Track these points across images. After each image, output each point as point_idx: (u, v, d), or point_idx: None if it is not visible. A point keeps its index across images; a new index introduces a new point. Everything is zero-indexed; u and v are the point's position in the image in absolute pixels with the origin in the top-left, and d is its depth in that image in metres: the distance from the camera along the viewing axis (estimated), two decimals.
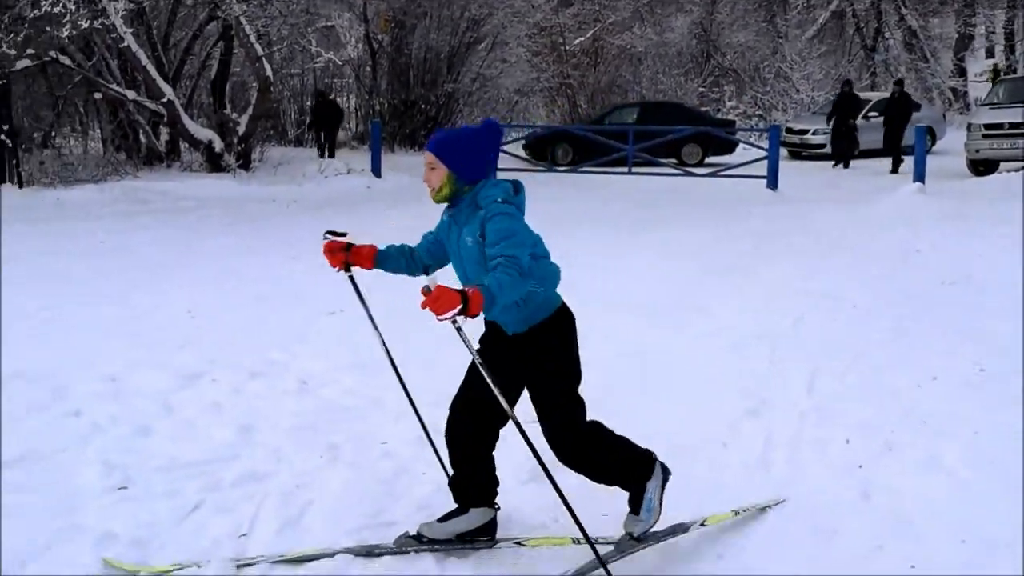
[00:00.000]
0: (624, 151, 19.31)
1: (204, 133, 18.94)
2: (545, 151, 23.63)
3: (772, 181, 17.33)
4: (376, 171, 18.97)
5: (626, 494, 4.06)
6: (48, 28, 15.98)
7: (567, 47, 32.81)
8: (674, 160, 22.40)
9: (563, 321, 3.93)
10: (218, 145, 18.79)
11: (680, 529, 4.13)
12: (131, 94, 18.69)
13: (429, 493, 4.56)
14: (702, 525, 4.18)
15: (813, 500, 4.49)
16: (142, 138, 20.57)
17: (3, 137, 16.35)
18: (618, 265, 10.20)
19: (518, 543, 4.10)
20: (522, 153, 23.07)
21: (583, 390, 3.94)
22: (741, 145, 22.03)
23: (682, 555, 4.07)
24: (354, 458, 5.03)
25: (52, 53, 17.68)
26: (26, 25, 15.97)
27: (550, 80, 32.22)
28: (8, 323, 7.50)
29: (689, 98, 31.65)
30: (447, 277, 3.62)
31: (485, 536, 4.11)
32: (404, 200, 15.05)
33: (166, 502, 4.49)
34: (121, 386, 6.10)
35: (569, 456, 3.92)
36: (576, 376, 3.95)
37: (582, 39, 32.95)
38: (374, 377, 6.07)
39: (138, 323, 7.74)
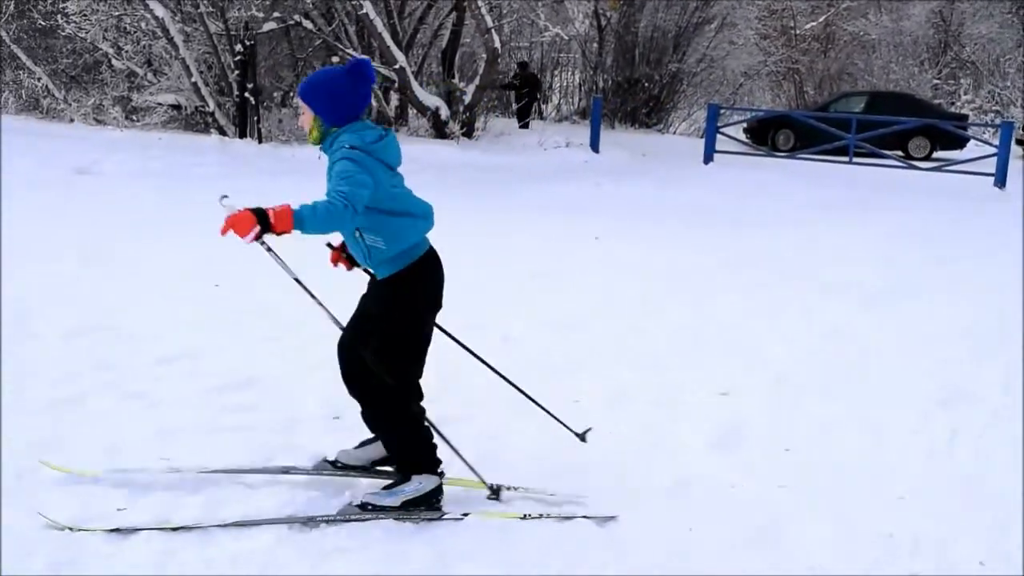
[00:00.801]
0: (846, 140, 18.86)
1: (432, 100, 19.57)
2: (766, 136, 23.31)
3: (1000, 179, 16.61)
4: (594, 146, 19.20)
5: None
6: None
7: (797, 31, 32.17)
8: (900, 152, 21.69)
9: (405, 284, 3.93)
10: (444, 113, 19.38)
11: (424, 515, 4.07)
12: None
13: (612, 447, 4.75)
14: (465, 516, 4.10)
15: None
16: (372, 102, 21.40)
17: (247, 95, 17.42)
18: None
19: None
20: (742, 136, 22.83)
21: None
22: (972, 141, 21.13)
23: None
24: (543, 413, 5.23)
25: (296, 17, 18.67)
26: None
27: (777, 64, 31.71)
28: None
29: (922, 90, 30.52)
30: None
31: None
32: (619, 175, 15.22)
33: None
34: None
35: (370, 399, 4.06)
36: (405, 338, 3.99)
37: (813, 24, 32.26)
38: (571, 334, 6.32)
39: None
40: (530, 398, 4.57)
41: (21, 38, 20.58)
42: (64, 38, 19.97)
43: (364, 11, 18.01)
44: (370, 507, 4.04)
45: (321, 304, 4.04)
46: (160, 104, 19.14)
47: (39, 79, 20.26)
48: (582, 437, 4.60)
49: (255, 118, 17.55)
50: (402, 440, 4.11)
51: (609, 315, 7.41)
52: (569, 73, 31.61)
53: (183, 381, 5.50)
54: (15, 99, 20.60)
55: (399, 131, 20.51)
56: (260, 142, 17.12)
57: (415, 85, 19.53)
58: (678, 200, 13.70)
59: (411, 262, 3.94)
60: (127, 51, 19.58)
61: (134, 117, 19.18)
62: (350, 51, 19.56)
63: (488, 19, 19.72)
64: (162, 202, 11.46)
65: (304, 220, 3.52)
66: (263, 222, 3.51)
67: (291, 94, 21.80)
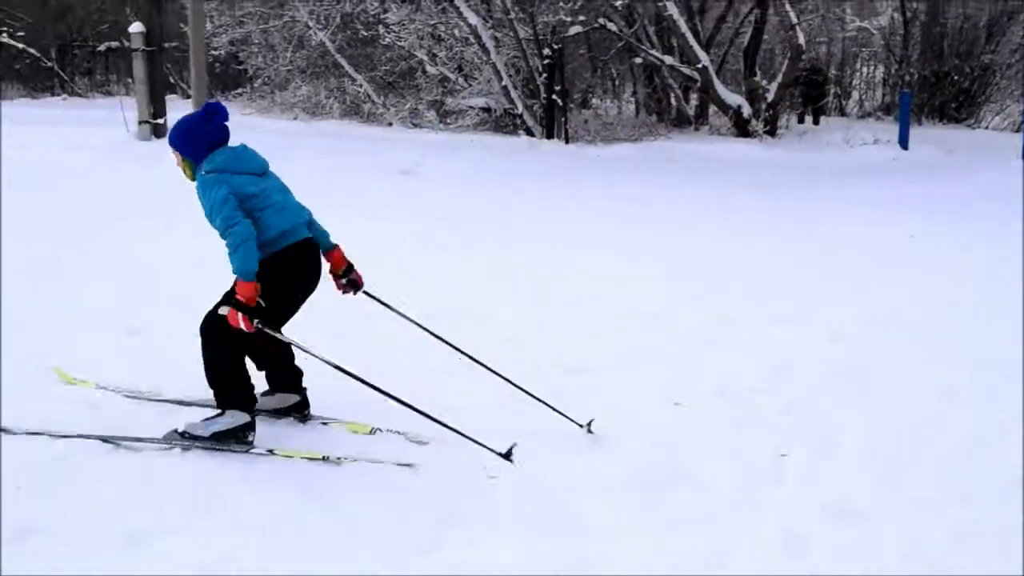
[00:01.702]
0: None
1: (733, 99, 19.55)
2: None
3: None
4: (903, 143, 18.60)
5: None
6: None
7: None
8: None
9: (277, 265, 4.54)
10: (746, 111, 19.32)
11: (235, 447, 4.55)
12: (668, 59, 19.73)
13: (955, 448, 4.75)
14: (270, 452, 4.53)
15: None
16: (673, 102, 21.61)
17: (554, 97, 18.04)
18: None
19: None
20: None
21: None
22: None
23: None
24: (881, 409, 5.28)
25: (600, 20, 19.14)
26: None
27: None
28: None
29: None
30: None
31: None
32: (930, 174, 14.72)
33: (714, 418, 5.06)
34: (669, 320, 6.83)
35: (203, 331, 4.58)
36: (270, 300, 4.49)
37: None
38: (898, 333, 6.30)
39: (674, 266, 8.48)
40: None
41: (344, 48, 22.09)
42: (383, 47, 21.29)
43: (668, 12, 18.24)
44: (187, 435, 4.59)
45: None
46: (471, 107, 20.09)
47: (360, 86, 21.69)
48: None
49: (562, 119, 18.15)
50: (218, 377, 4.63)
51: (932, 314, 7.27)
52: (871, 68, 30.62)
53: (521, 360, 5.88)
54: (339, 104, 22.18)
55: (699, 130, 20.62)
56: (567, 142, 17.69)
57: (717, 84, 19.56)
58: (988, 196, 13.08)
59: (287, 244, 4.61)
60: (440, 57, 20.65)
61: (447, 120, 20.21)
62: (652, 52, 19.84)
63: (792, 15, 19.50)
64: (481, 199, 12.10)
65: (242, 272, 4.34)
66: (243, 308, 4.34)
67: (591, 95, 22.38)
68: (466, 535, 3.84)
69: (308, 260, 4.76)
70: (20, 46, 29.53)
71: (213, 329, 4.55)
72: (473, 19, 18.57)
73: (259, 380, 4.95)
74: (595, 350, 6.13)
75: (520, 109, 18.90)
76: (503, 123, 19.73)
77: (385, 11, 20.61)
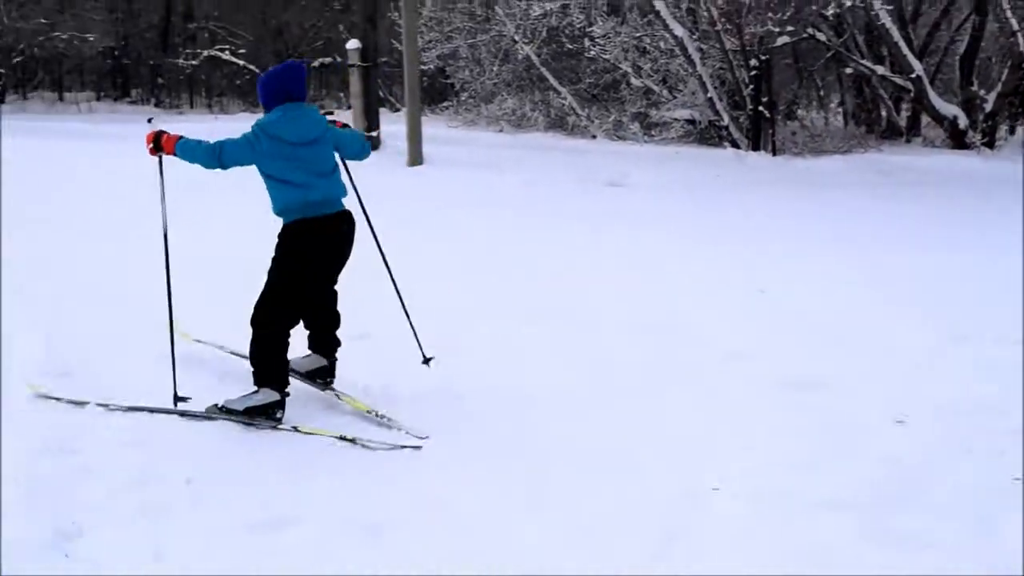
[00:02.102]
0: None
1: (949, 109, 18.86)
2: None
3: None
4: None
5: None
6: (811, 6, 17.10)
7: None
8: None
9: (290, 240, 5.14)
10: (963, 122, 18.61)
11: (264, 423, 5.09)
12: (879, 69, 19.21)
13: None
14: (294, 430, 5.04)
15: None
16: (883, 112, 21.01)
17: (761, 108, 17.83)
18: None
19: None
20: None
21: None
22: None
23: None
24: None
25: (808, 30, 18.79)
26: (792, 4, 17.19)
27: None
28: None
29: None
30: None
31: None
32: None
33: (940, 437, 4.95)
34: (891, 336, 6.70)
35: (252, 322, 5.16)
36: (282, 278, 5.13)
37: None
38: None
39: (894, 281, 8.29)
40: None
41: (549, 61, 22.39)
42: (587, 59, 21.48)
43: (881, 20, 17.77)
44: (224, 409, 5.13)
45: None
46: (675, 119, 20.05)
47: (564, 98, 21.94)
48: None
49: (769, 131, 17.92)
50: (258, 357, 5.15)
51: None
52: None
53: (746, 376, 5.88)
54: (543, 117, 22.50)
55: (910, 142, 19.98)
56: (774, 154, 17.46)
57: (931, 93, 18.91)
58: None
59: (288, 221, 5.13)
60: (645, 69, 20.69)
61: (651, 132, 20.24)
62: (863, 61, 19.36)
63: (1014, 21, 18.67)
64: (688, 211, 12.11)
65: (180, 149, 5.09)
66: (156, 142, 5.12)
67: (797, 106, 21.99)
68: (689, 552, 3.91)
69: (321, 234, 5.18)
70: (241, 63, 31.08)
71: (258, 315, 5.17)
72: (679, 31, 18.55)
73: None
74: (818, 365, 6.08)
75: (726, 121, 18.75)
76: (708, 135, 19.61)
77: (590, 24, 20.80)
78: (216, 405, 5.20)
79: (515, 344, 6.57)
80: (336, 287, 5.55)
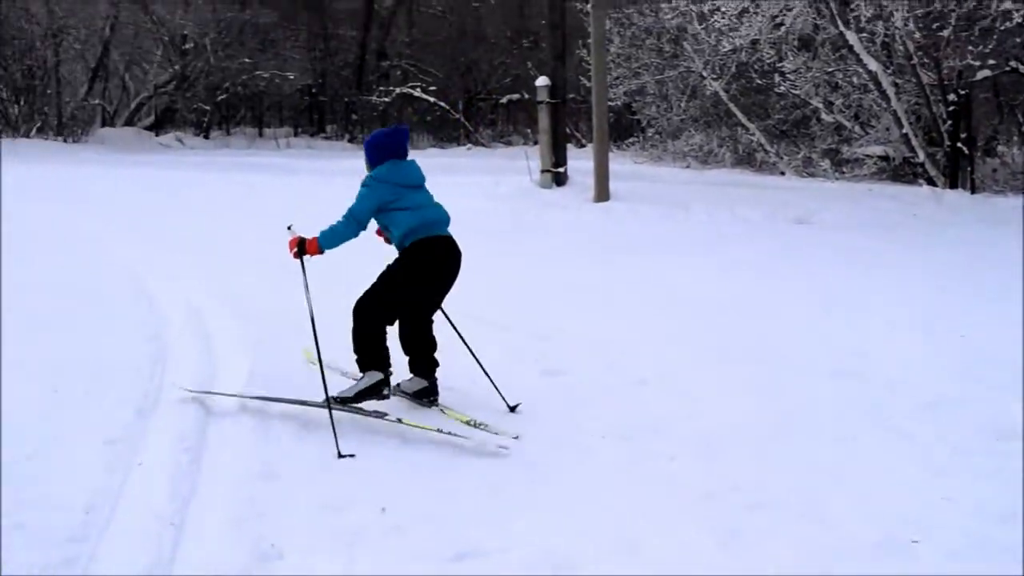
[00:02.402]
0: None
1: None
2: None
3: None
4: None
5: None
6: (1015, 38, 16.43)
7: None
8: None
9: (408, 256, 5.92)
10: None
11: (375, 414, 5.74)
12: None
13: None
14: (399, 421, 5.64)
15: None
16: None
17: (960, 144, 17.19)
18: None
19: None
20: None
21: None
22: None
23: None
24: None
25: (1012, 63, 18.04)
26: (994, 37, 16.56)
27: None
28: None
29: None
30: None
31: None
32: None
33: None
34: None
35: (354, 311, 5.94)
36: (395, 288, 5.93)
37: None
38: None
39: None
40: None
41: (737, 97, 22.17)
42: (777, 95, 21.18)
43: None
44: (337, 399, 5.73)
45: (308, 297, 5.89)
46: (868, 156, 19.53)
47: (753, 134, 21.68)
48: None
49: (968, 168, 17.25)
50: (360, 346, 5.92)
51: None
52: None
53: (944, 426, 5.68)
54: (731, 153, 22.28)
55: None
56: (973, 192, 16.78)
57: None
58: None
59: (408, 244, 5.89)
60: (837, 105, 20.25)
61: (842, 169, 19.77)
62: None
63: None
64: (882, 251, 11.77)
65: (323, 241, 5.76)
66: (300, 246, 5.78)
67: (997, 142, 21.10)
68: None
69: (431, 253, 5.91)
70: (431, 99, 31.90)
71: (360, 309, 5.92)
72: (873, 65, 18.08)
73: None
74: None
75: (921, 157, 18.14)
76: (902, 172, 19.01)
77: (781, 59, 20.51)
78: (332, 396, 5.74)
79: (703, 382, 6.55)
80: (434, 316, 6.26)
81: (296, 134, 35.46)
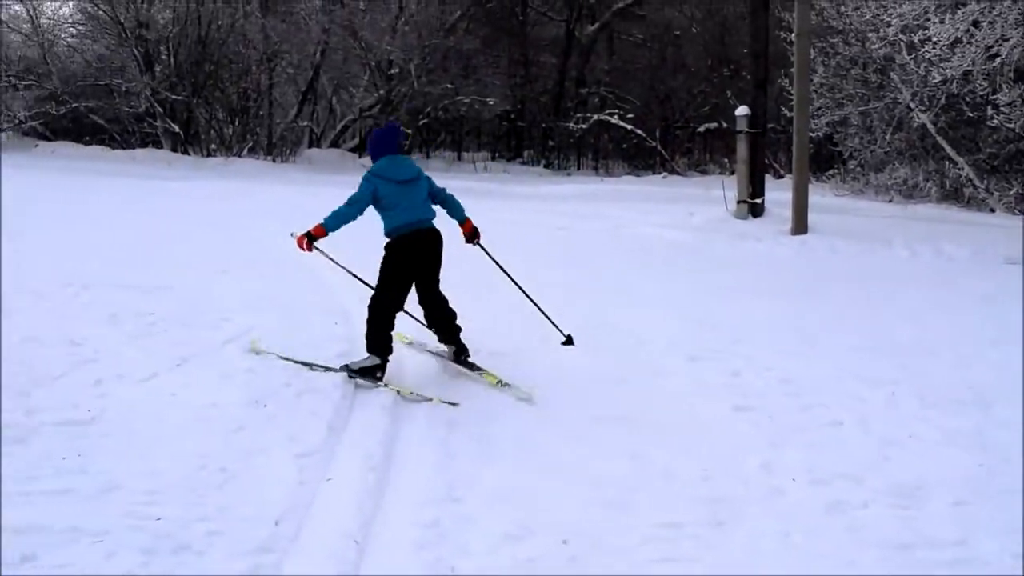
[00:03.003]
0: None
1: None
2: None
3: None
4: None
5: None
6: None
7: None
8: None
9: (390, 248, 7.20)
10: None
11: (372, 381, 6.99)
12: None
13: None
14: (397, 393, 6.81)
15: None
16: None
17: None
18: None
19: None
20: None
21: None
22: None
23: None
24: None
25: None
26: None
27: None
28: None
29: None
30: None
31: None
32: None
33: None
34: None
35: (369, 303, 7.18)
36: (386, 276, 7.16)
37: None
38: None
39: None
40: None
41: (946, 129, 21.34)
42: (989, 128, 20.28)
43: None
44: (347, 368, 7.05)
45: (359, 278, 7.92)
46: None
47: (961, 169, 20.82)
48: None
49: None
50: (369, 331, 7.09)
51: None
52: None
53: None
54: (937, 188, 21.43)
55: None
56: None
57: None
58: None
59: (393, 238, 7.18)
60: None
61: None
62: None
63: None
64: None
65: (327, 224, 7.04)
66: (309, 235, 7.02)
67: None
68: None
69: (413, 245, 7.14)
70: (628, 127, 31.90)
71: (372, 302, 7.13)
72: None
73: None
74: None
75: None
76: None
77: (995, 92, 19.63)
78: (345, 365, 7.10)
79: (902, 428, 6.32)
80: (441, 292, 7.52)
81: (493, 158, 36.01)
